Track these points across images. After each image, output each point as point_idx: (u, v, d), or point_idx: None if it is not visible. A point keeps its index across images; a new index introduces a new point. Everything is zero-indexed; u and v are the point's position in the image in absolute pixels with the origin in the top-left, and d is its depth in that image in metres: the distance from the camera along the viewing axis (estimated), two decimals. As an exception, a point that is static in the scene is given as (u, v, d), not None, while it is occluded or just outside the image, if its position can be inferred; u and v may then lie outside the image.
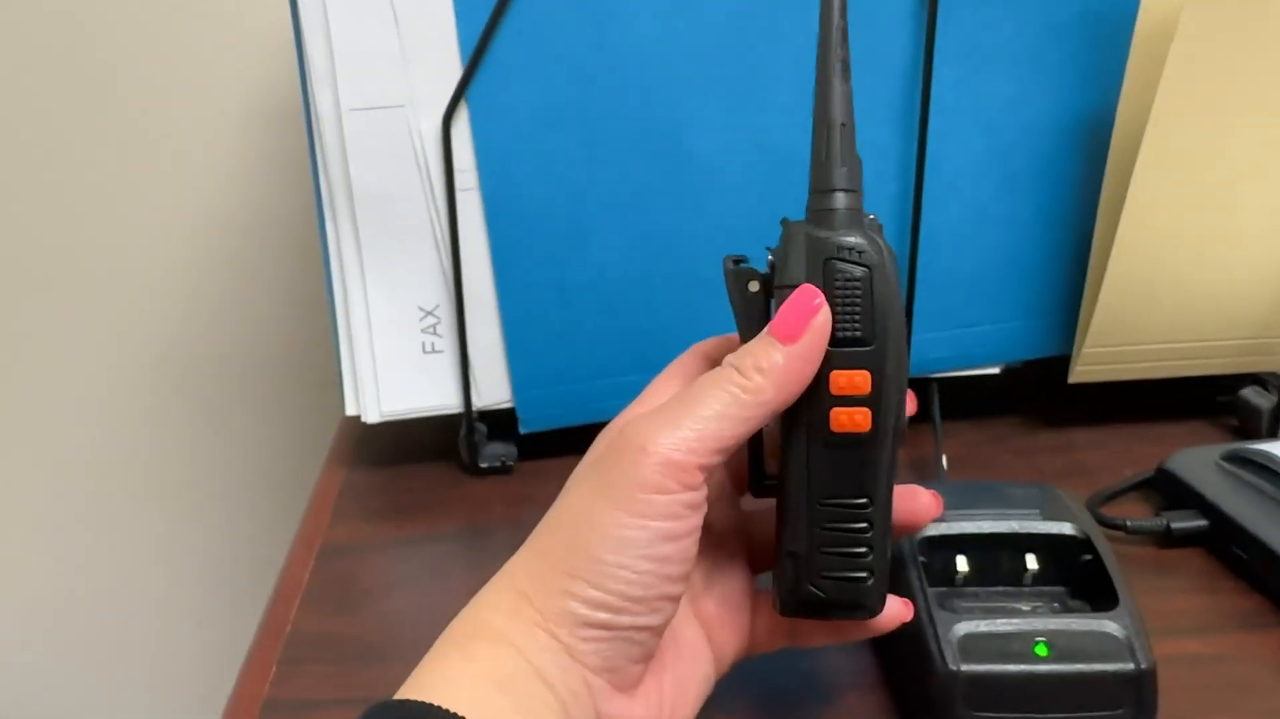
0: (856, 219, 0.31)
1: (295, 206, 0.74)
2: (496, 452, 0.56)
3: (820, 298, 0.30)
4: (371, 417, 0.53)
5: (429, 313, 0.53)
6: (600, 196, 0.51)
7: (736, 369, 0.30)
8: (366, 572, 0.49)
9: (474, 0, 0.48)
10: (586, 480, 0.31)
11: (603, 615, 0.29)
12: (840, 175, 0.31)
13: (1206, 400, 0.60)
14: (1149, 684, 0.36)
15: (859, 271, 0.30)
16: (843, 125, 0.31)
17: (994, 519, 0.41)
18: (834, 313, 0.30)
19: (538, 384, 0.54)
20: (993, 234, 0.55)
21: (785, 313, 0.30)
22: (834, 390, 0.31)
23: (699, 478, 0.30)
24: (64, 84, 0.72)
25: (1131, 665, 0.36)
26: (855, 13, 0.50)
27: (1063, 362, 0.56)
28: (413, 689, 0.28)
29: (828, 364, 0.31)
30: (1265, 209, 0.52)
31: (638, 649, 0.30)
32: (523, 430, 0.55)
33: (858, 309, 0.30)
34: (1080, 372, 0.56)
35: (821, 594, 0.32)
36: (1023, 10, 0.51)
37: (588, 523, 0.30)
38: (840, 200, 0.31)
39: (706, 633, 0.35)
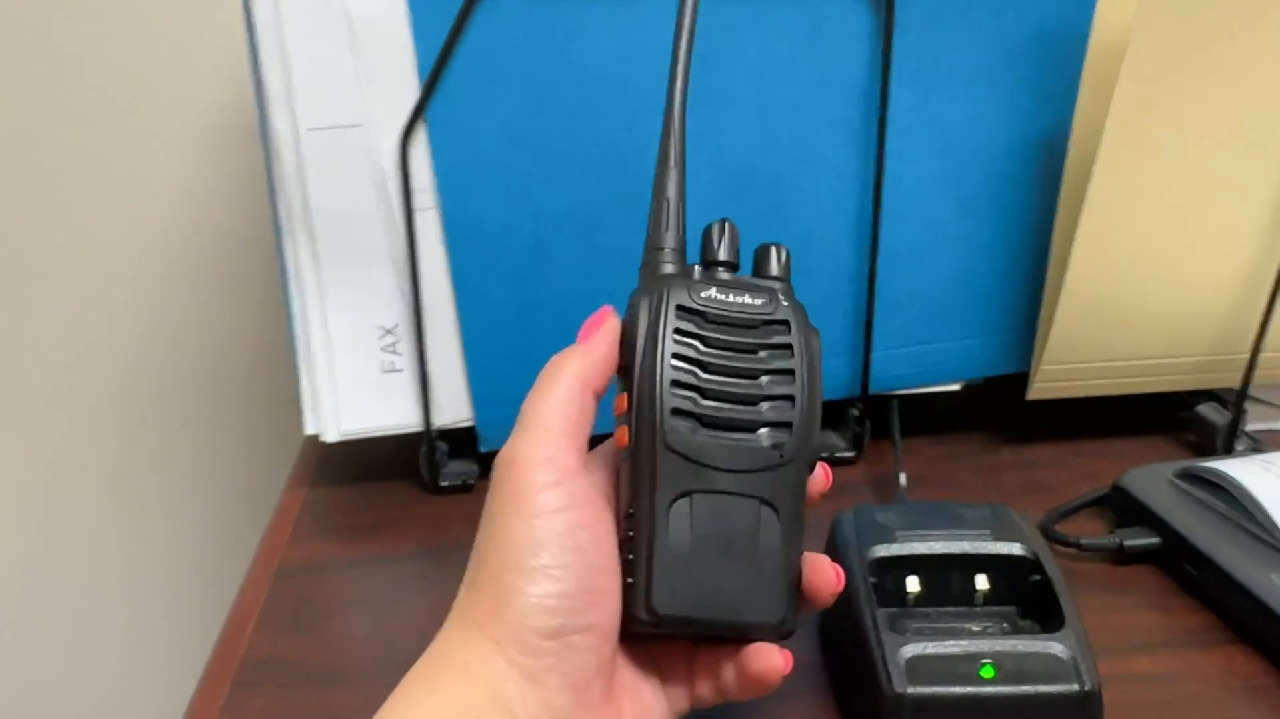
0: (676, 271, 0.36)
1: (253, 226, 0.74)
2: (458, 470, 0.56)
3: (606, 311, 0.35)
4: (331, 435, 0.53)
5: (388, 332, 0.53)
6: (559, 216, 0.52)
7: (550, 370, 0.34)
8: (322, 593, 0.49)
9: (431, 20, 0.48)
10: (488, 512, 0.33)
11: (551, 623, 0.30)
12: (666, 239, 0.36)
13: (1166, 417, 0.60)
14: (1094, 705, 0.36)
15: (632, 313, 0.34)
16: (669, 200, 0.36)
17: (945, 539, 0.42)
18: (621, 351, 0.35)
19: (498, 402, 0.54)
20: (951, 253, 0.55)
21: (585, 325, 0.35)
22: (616, 413, 0.34)
23: (573, 459, 0.32)
24: (20, 103, 0.72)
25: (1076, 687, 0.36)
26: (814, 36, 0.51)
27: (1023, 378, 0.57)
28: (393, 713, 0.29)
29: (619, 393, 0.35)
30: (1218, 228, 0.52)
31: (591, 658, 0.31)
32: (483, 449, 0.55)
33: (628, 344, 0.34)
34: (1038, 388, 0.56)
35: (624, 603, 0.33)
36: (978, 33, 0.52)
37: (505, 541, 0.31)
38: (663, 258, 0.36)
39: (660, 679, 0.36)
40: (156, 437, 0.81)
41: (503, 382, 0.54)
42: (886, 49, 0.50)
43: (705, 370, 0.33)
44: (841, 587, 0.35)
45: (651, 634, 0.34)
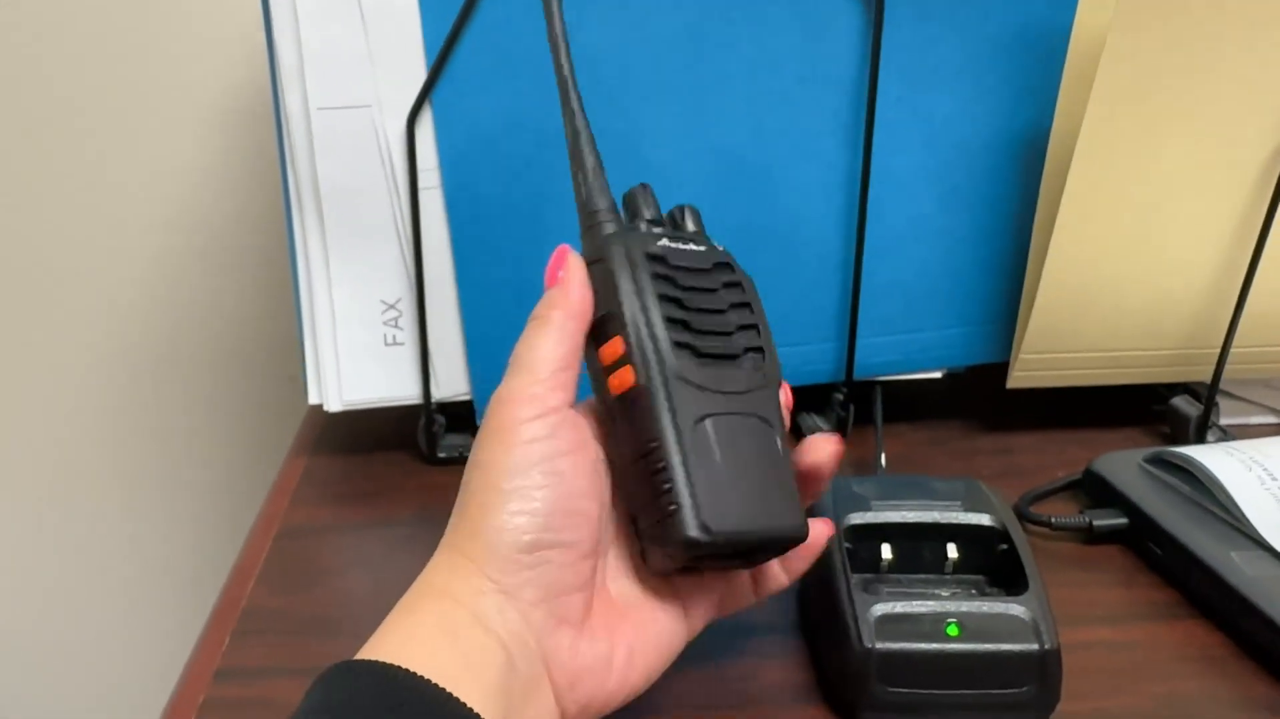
0: (614, 229, 0.38)
1: (264, 203, 0.76)
2: (454, 442, 0.58)
3: (565, 250, 0.37)
4: (333, 405, 0.55)
5: (391, 306, 0.55)
6: (558, 199, 0.54)
7: (533, 316, 0.36)
8: (322, 552, 0.51)
9: (439, 5, 0.50)
10: (476, 446, 0.35)
11: (523, 538, 0.32)
12: (598, 202, 0.39)
13: (1141, 409, 0.62)
14: (1052, 664, 0.38)
15: (598, 266, 0.37)
16: (591, 169, 0.39)
17: (918, 510, 0.44)
18: (595, 303, 0.36)
19: (496, 377, 0.55)
20: (934, 244, 0.57)
21: (550, 265, 0.37)
22: (604, 362, 0.36)
23: (559, 397, 0.34)
24: (34, 84, 0.74)
25: (1036, 646, 0.38)
26: (805, 29, 0.53)
27: (1003, 367, 0.59)
28: (371, 649, 0.31)
29: (594, 345, 0.36)
30: (1191, 224, 0.54)
31: (568, 573, 0.33)
32: (480, 422, 0.57)
33: (603, 293, 0.36)
34: (1017, 377, 0.58)
35: (655, 542, 0.35)
36: (964, 30, 0.54)
37: (487, 469, 0.33)
38: (599, 218, 0.38)
39: (674, 590, 0.37)
40: (164, 409, 0.83)
41: (501, 357, 0.55)
42: (875, 44, 0.52)
43: (685, 308, 0.36)
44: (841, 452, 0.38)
45: (694, 559, 0.35)
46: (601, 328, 0.36)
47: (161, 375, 0.82)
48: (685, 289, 0.36)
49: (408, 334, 0.55)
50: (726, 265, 0.38)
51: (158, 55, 0.73)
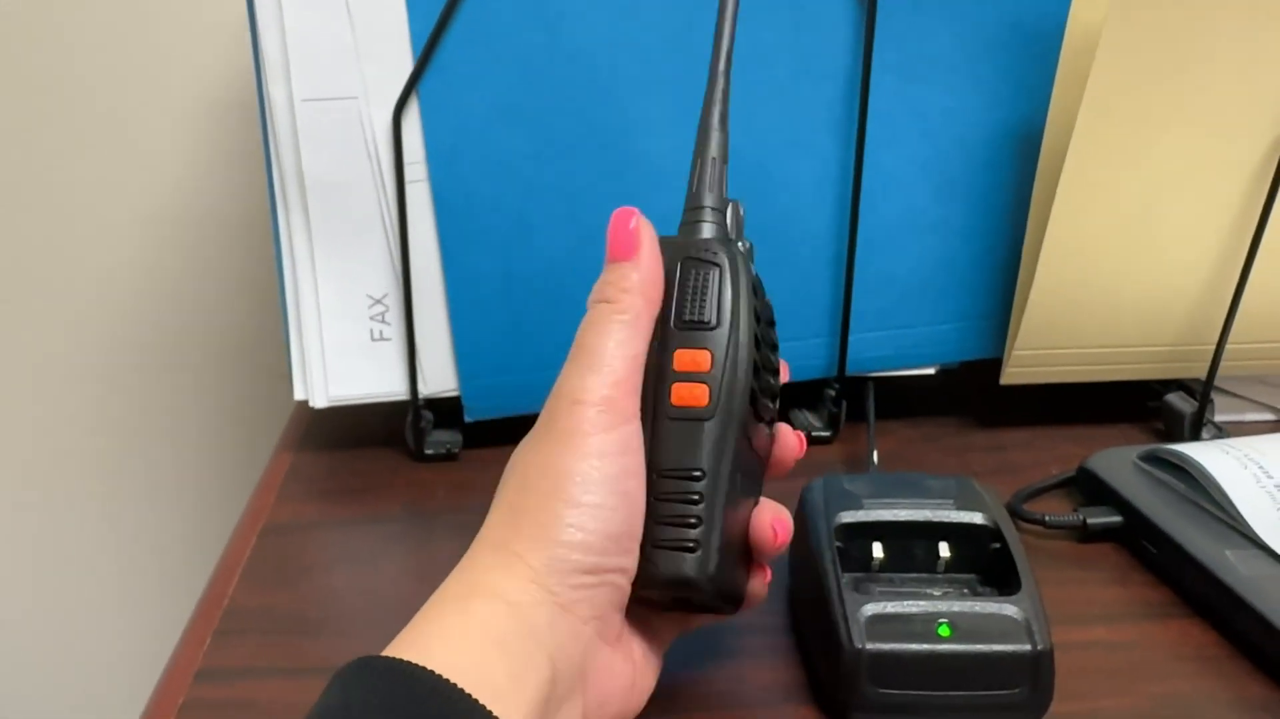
0: (717, 233, 0.36)
1: (249, 197, 0.75)
2: (442, 439, 0.57)
3: (636, 214, 0.34)
4: (319, 401, 0.55)
5: (377, 301, 0.54)
6: (548, 192, 0.53)
7: (606, 302, 0.33)
8: (307, 549, 0.50)
9: (426, -3, 0.49)
10: (541, 443, 0.33)
11: (590, 559, 0.31)
12: (707, 198, 0.36)
13: (1136, 405, 0.62)
14: (1045, 665, 0.37)
15: (706, 267, 0.34)
16: (714, 160, 0.37)
17: (910, 508, 0.43)
18: (683, 300, 0.34)
19: (483, 373, 0.55)
20: (928, 239, 0.56)
21: (613, 236, 0.34)
22: (677, 368, 0.34)
23: (632, 404, 0.32)
24: (18, 75, 0.73)
25: (1029, 647, 0.37)
26: (798, 22, 0.52)
27: (997, 363, 0.58)
28: (405, 646, 0.29)
29: (673, 344, 0.34)
30: (1186, 220, 0.54)
31: (618, 594, 0.32)
32: (468, 419, 0.56)
33: (703, 297, 0.34)
34: (1011, 373, 0.57)
35: (654, 565, 0.33)
36: (958, 23, 0.53)
37: (560, 474, 0.31)
38: (705, 216, 0.36)
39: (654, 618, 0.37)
40: (149, 405, 0.82)
41: (488, 353, 0.55)
42: (869, 36, 0.52)
43: (765, 348, 0.36)
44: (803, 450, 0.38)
45: (678, 598, 0.34)
46: (688, 330, 0.34)
47: (146, 370, 0.81)
48: (767, 329, 0.36)
49: (394, 329, 0.55)
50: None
51: (140, 47, 0.72)
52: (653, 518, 0.33)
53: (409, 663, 0.27)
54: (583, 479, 0.31)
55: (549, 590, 0.31)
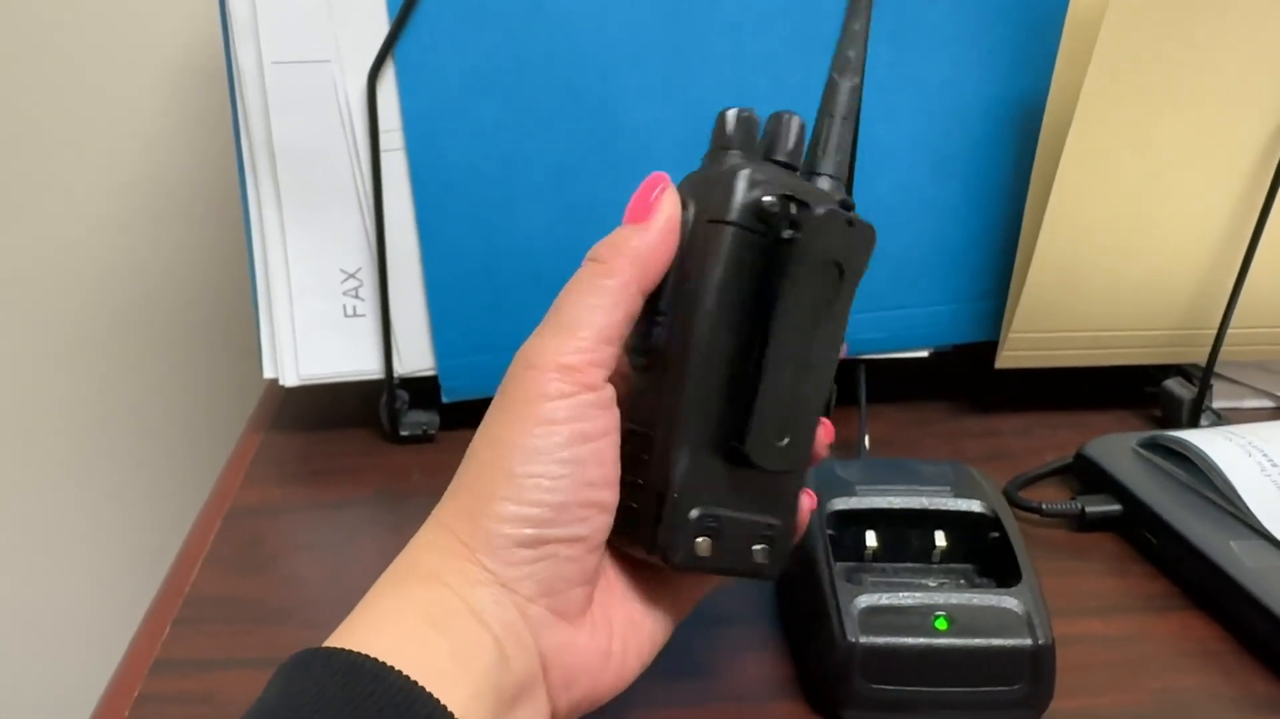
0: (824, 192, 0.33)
1: (219, 167, 0.73)
2: (418, 419, 0.55)
3: (665, 183, 0.31)
4: (289, 380, 0.52)
5: (351, 275, 0.52)
6: (529, 164, 0.51)
7: (594, 259, 0.31)
8: (274, 534, 0.48)
9: (403, -44, 0.47)
10: (493, 410, 0.31)
11: (527, 531, 0.29)
12: (827, 164, 0.34)
13: (1134, 391, 0.60)
14: (1046, 660, 0.36)
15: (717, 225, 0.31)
16: (843, 118, 0.34)
17: (905, 495, 0.41)
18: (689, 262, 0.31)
19: (461, 352, 0.53)
20: (924, 216, 0.55)
21: (634, 199, 0.31)
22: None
23: (597, 375, 0.30)
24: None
25: (1029, 641, 0.36)
26: (791, -14, 0.50)
27: (992, 348, 0.56)
28: (343, 636, 0.27)
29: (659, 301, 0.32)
30: (1189, 202, 0.52)
31: (573, 567, 0.30)
32: (445, 399, 0.54)
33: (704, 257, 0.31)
34: (1006, 356, 0.56)
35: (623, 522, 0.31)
36: (958, -9, 0.51)
37: (500, 445, 0.29)
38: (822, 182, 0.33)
39: (661, 576, 0.34)
40: (118, 381, 0.80)
41: (466, 331, 0.53)
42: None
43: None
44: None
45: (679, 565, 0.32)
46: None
47: (111, 346, 0.79)
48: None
49: (368, 305, 0.52)
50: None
51: (105, 12, 0.69)
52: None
53: (350, 652, 0.26)
54: (524, 450, 0.29)
55: (485, 569, 0.29)
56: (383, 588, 0.29)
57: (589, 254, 0.31)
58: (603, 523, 0.30)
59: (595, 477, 0.30)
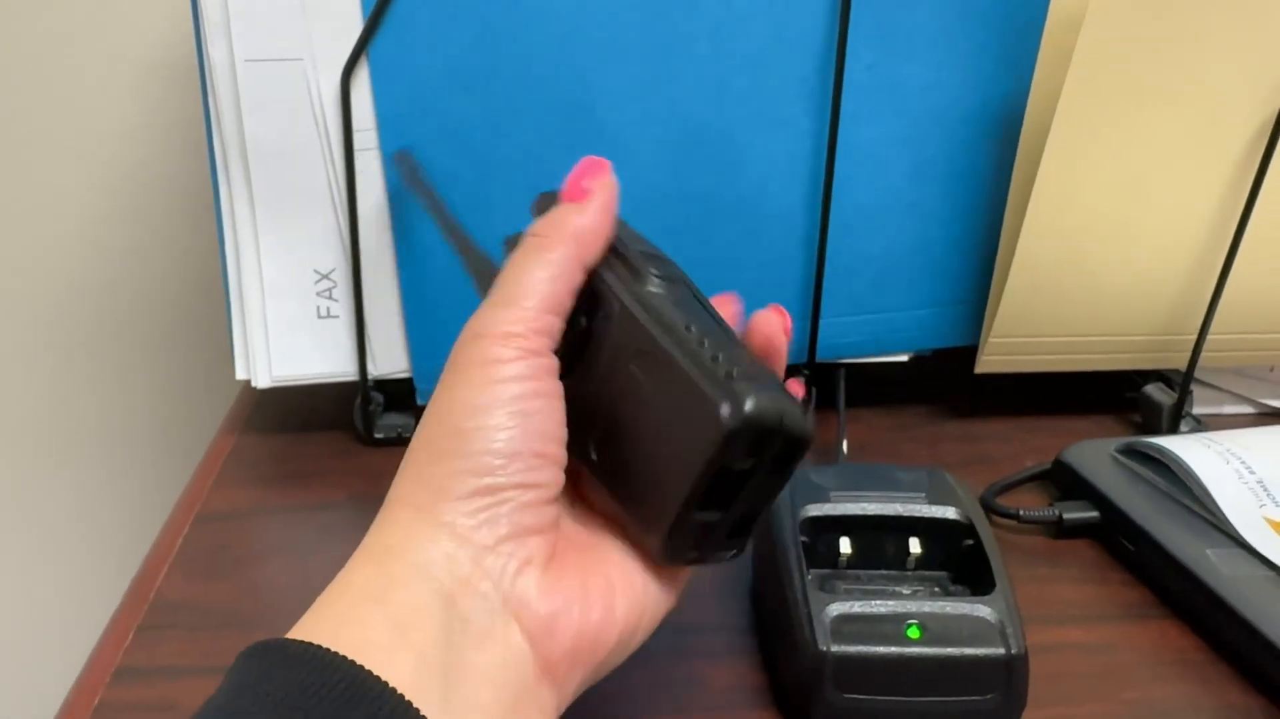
0: None
1: (192, 165, 0.72)
2: (393, 422, 0.55)
3: (600, 164, 0.33)
4: (262, 381, 0.52)
5: (324, 276, 0.51)
6: (505, 164, 0.50)
7: (534, 234, 0.32)
8: (243, 539, 0.47)
9: (378, -47, 0.46)
10: (440, 386, 0.31)
11: (482, 480, 0.29)
12: None
13: (1114, 396, 0.60)
14: (1019, 669, 0.35)
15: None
16: None
17: (879, 501, 0.41)
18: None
19: (436, 354, 0.53)
20: (903, 220, 0.54)
21: (571, 179, 0.33)
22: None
23: (540, 342, 0.30)
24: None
25: (1002, 650, 0.35)
26: (771, -13, 0.50)
27: (971, 353, 0.56)
28: (301, 626, 0.28)
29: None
30: (1169, 207, 0.52)
31: (529, 515, 0.29)
32: (420, 401, 0.54)
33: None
34: (986, 361, 0.55)
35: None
36: (939, -6, 0.51)
37: (446, 408, 0.30)
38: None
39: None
40: (89, 382, 0.79)
41: (441, 333, 0.52)
42: (845, 5, 0.49)
43: None
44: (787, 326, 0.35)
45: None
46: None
47: (82, 347, 0.78)
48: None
49: (342, 306, 0.52)
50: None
51: (75, 8, 0.69)
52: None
53: (294, 642, 0.26)
54: (472, 407, 0.29)
55: (440, 524, 0.29)
56: (337, 578, 0.29)
57: (530, 230, 0.33)
58: (554, 475, 0.30)
59: (543, 430, 0.30)
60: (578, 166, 0.33)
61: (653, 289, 0.32)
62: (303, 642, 0.26)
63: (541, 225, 0.32)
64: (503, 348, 0.30)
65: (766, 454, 0.30)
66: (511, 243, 0.33)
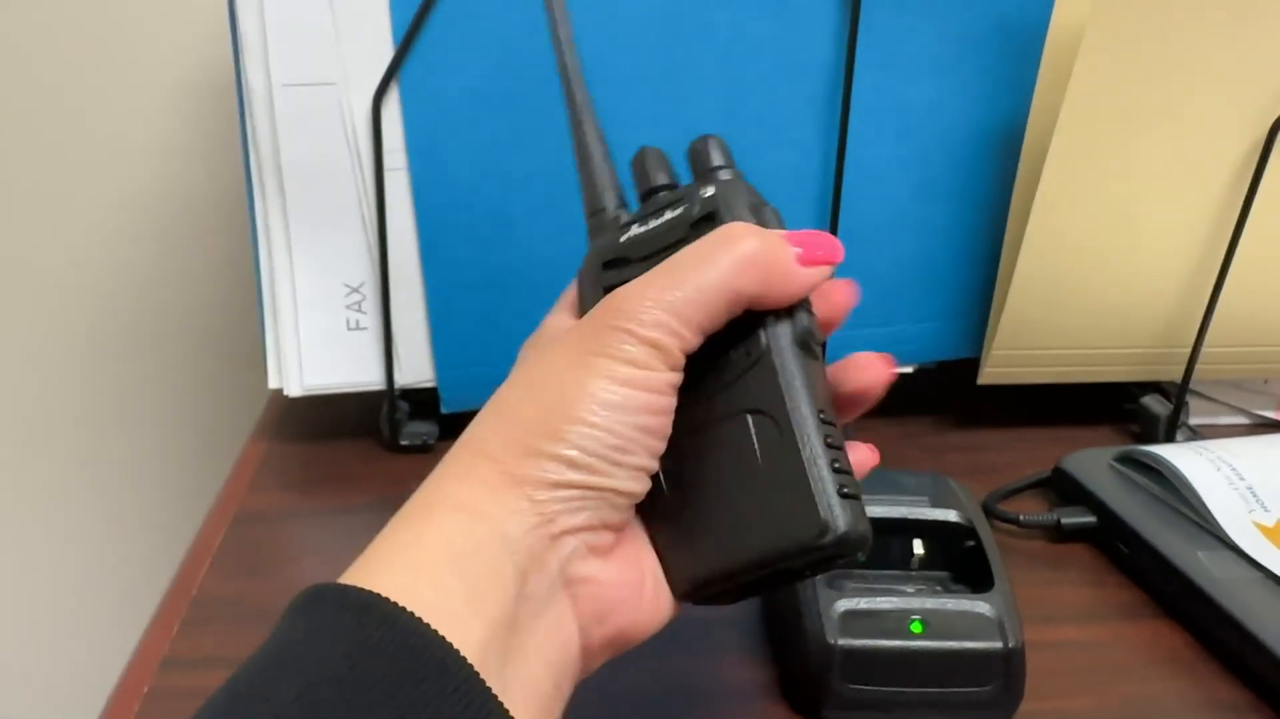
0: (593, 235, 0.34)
1: (226, 183, 0.74)
2: (418, 430, 0.57)
3: (841, 253, 0.31)
4: (293, 390, 0.54)
5: (354, 289, 0.54)
6: (528, 182, 0.52)
7: (739, 239, 0.29)
8: (278, 539, 0.49)
9: (408, -17, 0.49)
10: (566, 348, 0.29)
11: (582, 477, 0.28)
12: (604, 199, 0.35)
13: (1112, 407, 0.62)
14: (1017, 663, 0.37)
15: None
16: (593, 158, 0.35)
17: (885, 504, 0.43)
18: None
19: (460, 364, 0.55)
20: (909, 236, 0.56)
21: (815, 239, 0.30)
22: None
23: (681, 360, 0.29)
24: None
25: (1000, 644, 0.37)
26: (780, 15, 0.52)
27: (975, 364, 0.58)
28: (360, 571, 0.26)
29: None
30: (1166, 222, 0.54)
31: (613, 513, 0.29)
32: (444, 410, 0.56)
33: None
34: (989, 373, 0.57)
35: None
36: (942, 19, 0.53)
37: (571, 386, 0.28)
38: (604, 219, 0.34)
39: None
40: (124, 393, 0.81)
41: (465, 344, 0.55)
42: (853, 30, 0.52)
43: None
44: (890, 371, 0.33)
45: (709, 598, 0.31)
46: None
47: (120, 358, 0.80)
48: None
49: (371, 318, 0.54)
50: (708, 219, 0.31)
51: (117, 29, 0.71)
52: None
53: (359, 589, 0.25)
54: (600, 398, 0.28)
55: (529, 499, 0.28)
56: (407, 517, 0.28)
57: (738, 229, 0.30)
58: (646, 485, 0.30)
59: (654, 445, 0.29)
60: (821, 236, 0.31)
61: (804, 352, 0.30)
62: (374, 594, 0.25)
63: (755, 241, 0.29)
64: (653, 353, 0.28)
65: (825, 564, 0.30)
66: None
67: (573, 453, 0.28)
